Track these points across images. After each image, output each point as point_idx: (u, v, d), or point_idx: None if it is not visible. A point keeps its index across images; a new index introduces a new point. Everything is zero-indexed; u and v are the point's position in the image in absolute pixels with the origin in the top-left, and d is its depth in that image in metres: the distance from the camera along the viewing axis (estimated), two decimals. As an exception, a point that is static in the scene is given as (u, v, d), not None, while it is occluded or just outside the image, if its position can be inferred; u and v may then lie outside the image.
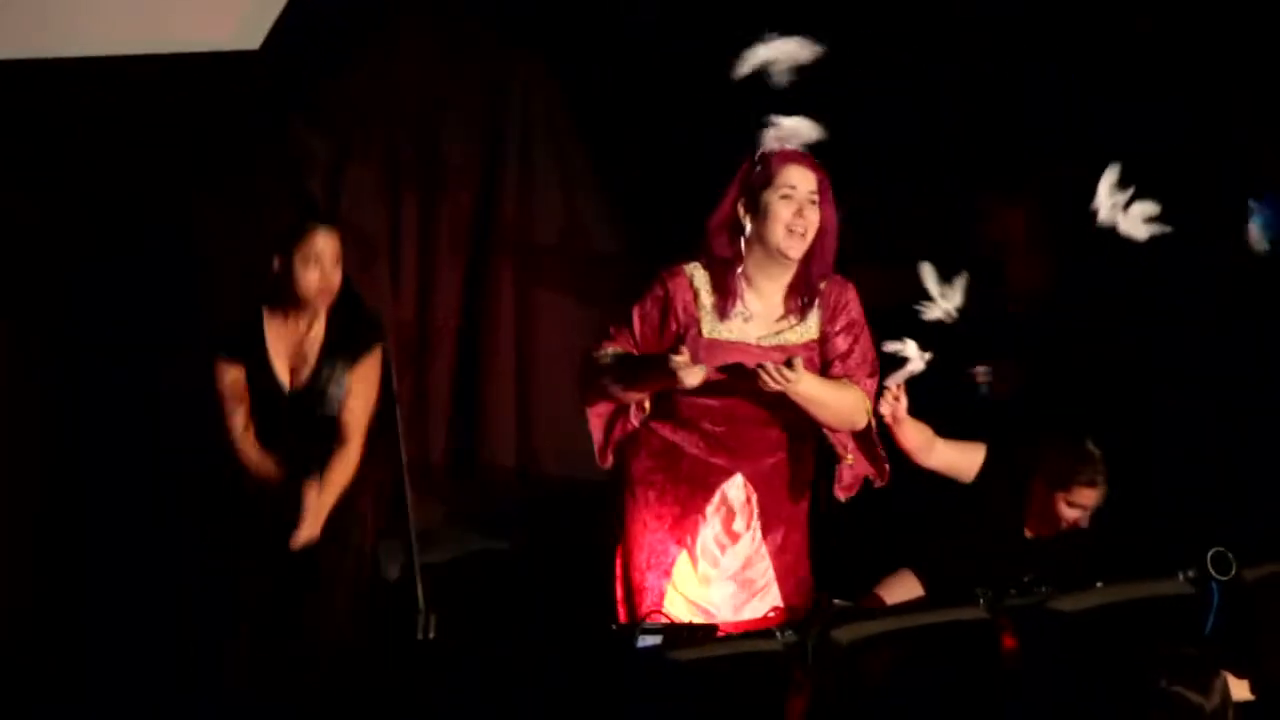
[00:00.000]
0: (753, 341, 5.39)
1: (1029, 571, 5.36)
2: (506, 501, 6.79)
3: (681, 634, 5.10)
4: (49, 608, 6.45)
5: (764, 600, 5.45)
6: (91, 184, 6.37)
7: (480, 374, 6.85)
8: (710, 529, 5.46)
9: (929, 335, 5.63)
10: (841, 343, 5.45)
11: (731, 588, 5.46)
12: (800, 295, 5.42)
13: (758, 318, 5.42)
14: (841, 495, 5.56)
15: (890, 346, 5.63)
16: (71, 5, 6.31)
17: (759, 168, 5.40)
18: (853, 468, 5.51)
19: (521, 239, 6.84)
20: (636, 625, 5.17)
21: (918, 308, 5.71)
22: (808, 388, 5.29)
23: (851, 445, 5.50)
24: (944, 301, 5.73)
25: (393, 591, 6.07)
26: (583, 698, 4.92)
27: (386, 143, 6.82)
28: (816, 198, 5.38)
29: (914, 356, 5.61)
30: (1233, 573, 4.97)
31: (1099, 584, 5.00)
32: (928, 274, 5.73)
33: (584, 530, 6.39)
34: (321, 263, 5.74)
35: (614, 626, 5.35)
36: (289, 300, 5.77)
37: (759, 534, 5.47)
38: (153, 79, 6.36)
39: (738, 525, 5.48)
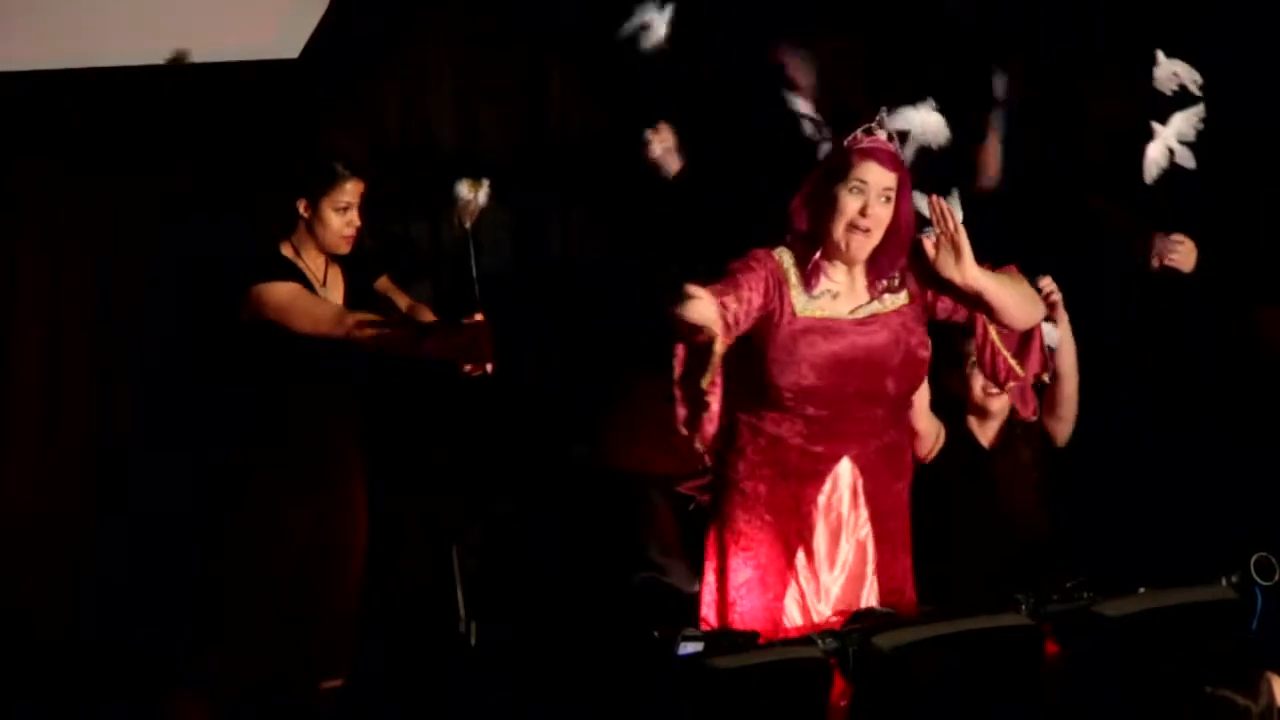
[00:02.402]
0: (844, 316, 5.27)
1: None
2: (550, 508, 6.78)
3: (723, 641, 5.09)
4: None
5: (869, 592, 5.34)
6: (136, 191, 6.39)
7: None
8: (823, 519, 5.35)
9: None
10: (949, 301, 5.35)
11: (843, 578, 5.34)
12: (876, 281, 5.33)
13: (845, 295, 5.30)
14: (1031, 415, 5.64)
15: None
16: (114, 17, 6.35)
17: (839, 156, 5.28)
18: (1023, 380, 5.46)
19: (566, 240, 6.85)
20: (679, 632, 5.13)
21: None
22: (977, 274, 5.23)
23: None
24: None
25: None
26: (624, 705, 4.93)
27: (424, 148, 6.83)
28: (892, 194, 5.23)
29: None
30: (1277, 578, 4.97)
31: (1142, 590, 4.99)
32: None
33: (624, 533, 6.41)
34: (349, 211, 5.88)
35: (655, 633, 5.34)
36: (313, 243, 5.89)
37: (866, 521, 5.37)
38: (194, 87, 6.40)
39: (846, 513, 5.36)
